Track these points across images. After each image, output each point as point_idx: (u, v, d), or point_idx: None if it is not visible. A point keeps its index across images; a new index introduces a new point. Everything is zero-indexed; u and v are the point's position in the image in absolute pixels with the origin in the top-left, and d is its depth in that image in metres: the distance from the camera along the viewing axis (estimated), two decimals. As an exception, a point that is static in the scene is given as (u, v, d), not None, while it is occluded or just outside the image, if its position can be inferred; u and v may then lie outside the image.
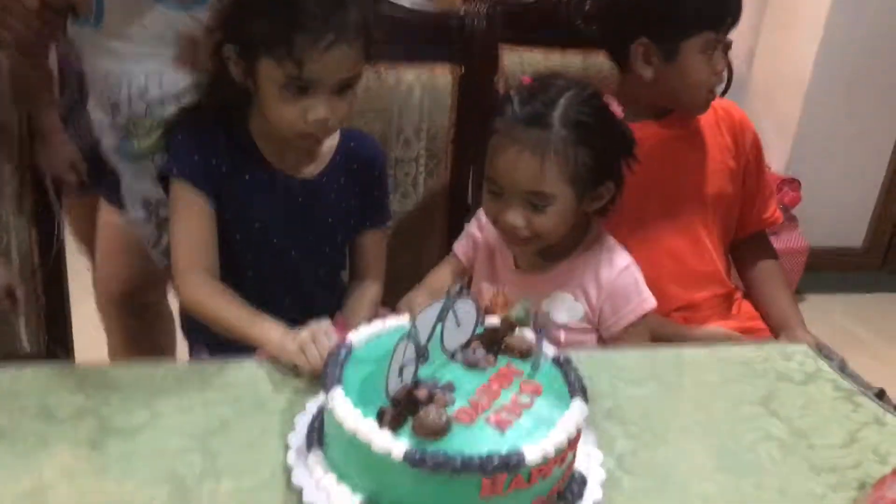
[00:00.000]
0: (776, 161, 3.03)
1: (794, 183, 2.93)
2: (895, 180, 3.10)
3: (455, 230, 1.57)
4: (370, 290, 1.40)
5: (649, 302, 1.33)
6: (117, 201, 1.46)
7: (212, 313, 1.24)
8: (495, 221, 1.29)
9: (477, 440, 0.84)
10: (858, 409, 1.14)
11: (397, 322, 1.02)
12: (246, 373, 1.11)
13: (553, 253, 1.33)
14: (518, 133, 1.22)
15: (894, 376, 1.39)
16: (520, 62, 1.65)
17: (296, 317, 1.22)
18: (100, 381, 1.07)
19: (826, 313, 2.80)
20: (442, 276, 1.45)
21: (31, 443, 0.95)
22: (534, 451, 0.83)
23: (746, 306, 1.68)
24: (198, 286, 1.26)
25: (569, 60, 1.68)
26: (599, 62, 1.64)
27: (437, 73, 1.61)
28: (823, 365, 1.23)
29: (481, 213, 1.37)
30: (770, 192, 1.71)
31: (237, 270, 1.34)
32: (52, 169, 1.40)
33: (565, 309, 1.30)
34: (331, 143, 1.33)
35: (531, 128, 1.21)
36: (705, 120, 1.59)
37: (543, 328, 0.96)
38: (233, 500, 0.90)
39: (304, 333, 1.11)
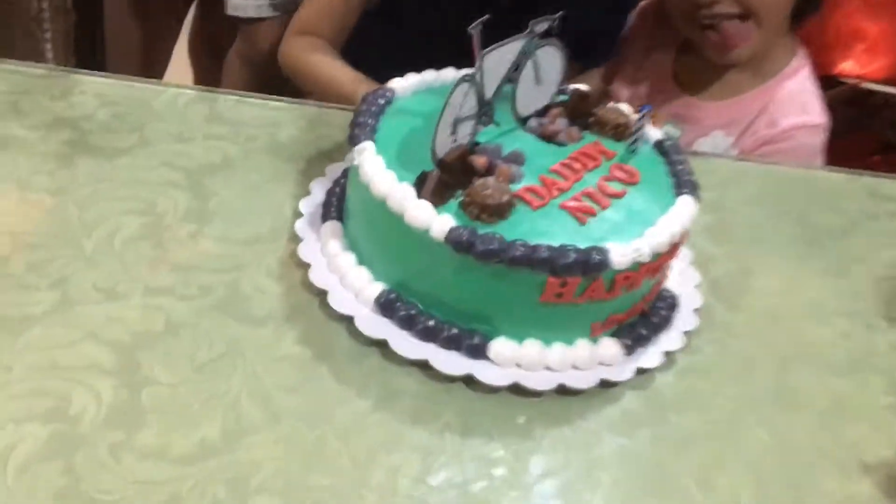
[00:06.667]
0: None
1: None
2: None
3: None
4: None
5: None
6: None
7: (305, 67, 1.05)
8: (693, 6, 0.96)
9: (547, 229, 0.62)
10: None
11: (458, 74, 0.79)
12: (271, 113, 0.90)
13: (740, 78, 1.02)
14: None
15: None
16: None
17: None
18: (94, 92, 0.89)
19: None
20: None
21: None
22: (623, 250, 0.61)
23: None
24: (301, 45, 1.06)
25: None
26: None
27: None
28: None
29: None
30: None
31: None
32: None
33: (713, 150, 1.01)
34: None
35: None
36: None
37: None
38: (213, 252, 0.72)
39: None
